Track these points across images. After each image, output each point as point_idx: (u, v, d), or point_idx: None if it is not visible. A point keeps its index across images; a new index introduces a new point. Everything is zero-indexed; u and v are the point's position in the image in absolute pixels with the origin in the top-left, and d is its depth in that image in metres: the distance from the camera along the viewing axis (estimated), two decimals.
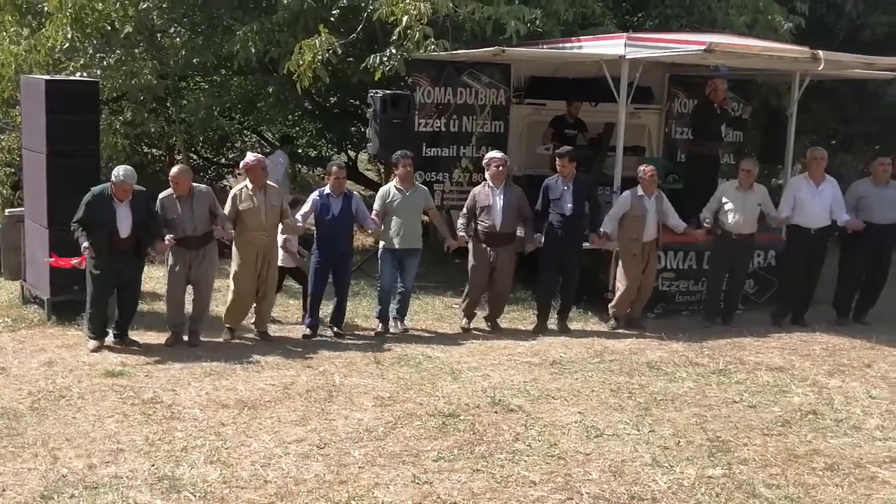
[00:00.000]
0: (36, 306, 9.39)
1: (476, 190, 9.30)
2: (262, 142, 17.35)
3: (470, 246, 9.25)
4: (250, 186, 8.45)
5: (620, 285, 9.37)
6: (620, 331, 9.36)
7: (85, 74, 11.08)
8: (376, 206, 9.06)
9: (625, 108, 9.81)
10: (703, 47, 8.72)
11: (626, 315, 9.48)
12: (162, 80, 12.32)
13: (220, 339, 8.60)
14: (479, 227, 9.14)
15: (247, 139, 17.40)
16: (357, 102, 15.05)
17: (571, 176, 9.17)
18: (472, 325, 9.32)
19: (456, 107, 11.24)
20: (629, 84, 9.71)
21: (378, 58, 10.50)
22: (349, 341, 8.80)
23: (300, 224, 8.74)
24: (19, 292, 9.73)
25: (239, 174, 17.23)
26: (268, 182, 8.60)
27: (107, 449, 6.09)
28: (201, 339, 8.51)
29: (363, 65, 10.72)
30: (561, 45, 10.63)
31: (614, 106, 9.91)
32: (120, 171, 8.00)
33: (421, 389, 7.42)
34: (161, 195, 8.25)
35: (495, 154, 9.28)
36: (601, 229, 9.26)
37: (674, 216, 9.42)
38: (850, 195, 9.82)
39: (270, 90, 13.41)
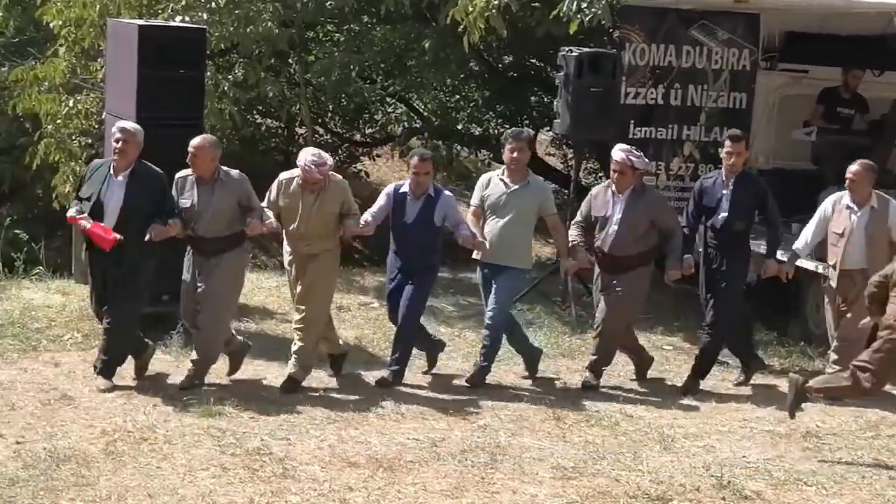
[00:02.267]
0: None
1: (595, 191, 9.04)
2: (412, 114, 17.66)
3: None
4: (301, 180, 8.35)
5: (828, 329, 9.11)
6: None
7: (188, 19, 11.57)
8: (474, 199, 8.95)
9: None
10: None
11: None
12: (285, 29, 12.71)
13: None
14: (594, 245, 8.92)
15: (390, 109, 17.75)
16: (542, 64, 15.15)
17: (734, 173, 8.87)
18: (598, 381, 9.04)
19: (680, 72, 11.18)
20: None
21: (575, 4, 10.54)
22: (520, 390, 8.86)
23: (369, 221, 8.54)
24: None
25: (378, 156, 17.72)
26: (333, 178, 8.42)
27: None
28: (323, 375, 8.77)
29: (554, 13, 10.79)
30: None
31: None
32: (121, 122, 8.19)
33: (618, 460, 7.39)
34: (178, 174, 8.35)
35: (618, 151, 8.83)
36: (795, 246, 8.95)
37: None
38: None
39: (426, 45, 13.65)
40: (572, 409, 8.36)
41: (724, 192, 8.87)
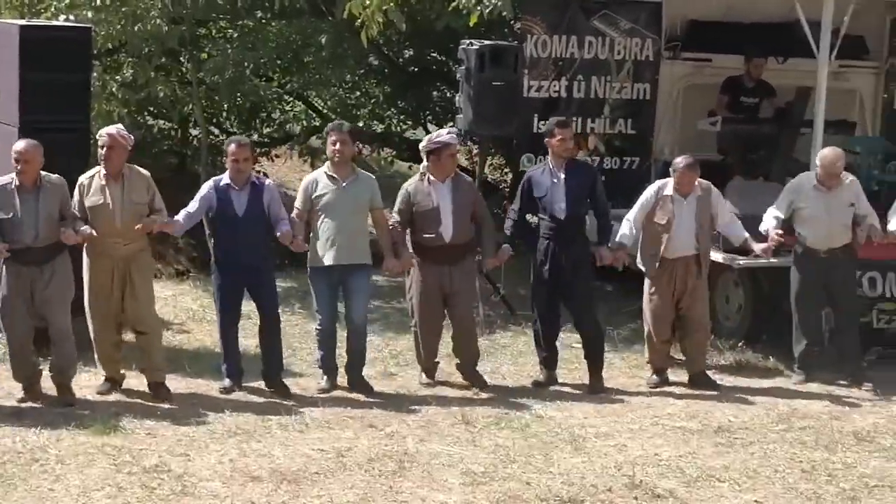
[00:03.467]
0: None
1: (411, 186, 8.90)
2: (311, 111, 17.61)
3: (413, 268, 8.95)
4: (104, 173, 8.31)
5: (645, 323, 9.32)
6: (816, 387, 9.24)
7: (72, 18, 11.41)
8: (298, 202, 8.77)
9: (827, 65, 9.73)
10: None
11: (695, 367, 9.27)
12: (175, 27, 12.62)
13: (101, 393, 8.52)
14: (417, 241, 8.86)
15: (288, 108, 17.66)
16: (443, 58, 15.16)
17: (564, 159, 8.99)
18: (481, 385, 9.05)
19: (582, 63, 11.28)
20: (833, 32, 9.63)
21: None
22: (426, 393, 8.88)
23: (180, 220, 8.47)
24: None
25: (277, 156, 17.61)
26: (133, 168, 8.39)
27: None
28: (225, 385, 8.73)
29: (453, 5, 10.82)
30: None
31: (812, 63, 9.85)
32: None
33: (528, 463, 7.43)
34: None
35: (440, 136, 8.88)
36: (617, 239, 9.07)
37: (727, 219, 9.11)
38: None
39: (323, 40, 13.62)
40: (482, 413, 8.38)
41: (556, 181, 8.93)
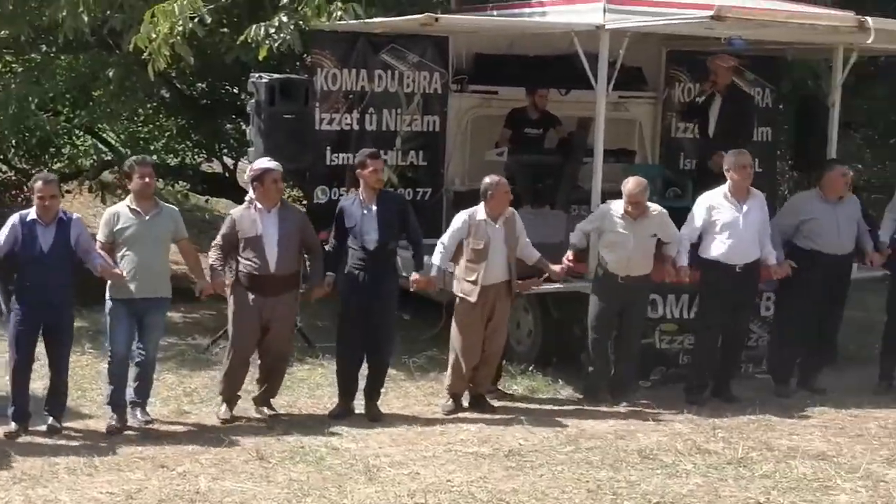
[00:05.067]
0: None
1: (237, 213, 9.01)
2: (101, 145, 17.29)
3: (230, 297, 8.98)
4: None
5: (452, 350, 9.39)
6: (603, 408, 9.49)
7: None
8: (100, 235, 8.73)
9: (605, 96, 10.01)
10: (709, 13, 8.96)
11: (480, 389, 9.49)
12: None
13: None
14: (241, 270, 8.84)
15: (79, 142, 17.31)
16: (235, 90, 15.10)
17: (375, 193, 9.11)
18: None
19: (373, 96, 11.35)
20: (611, 64, 9.90)
21: (263, 29, 10.58)
22: (221, 429, 8.79)
23: None
24: None
25: (68, 191, 17.21)
26: None
27: None
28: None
29: (242, 38, 10.79)
30: (518, 10, 10.86)
31: (592, 94, 10.10)
32: None
33: (322, 496, 7.42)
34: None
35: (261, 163, 8.98)
36: (433, 262, 9.20)
37: (523, 241, 9.34)
38: (787, 215, 10.00)
39: (111, 74, 13.41)
40: (277, 447, 8.35)
41: (367, 211, 9.03)
